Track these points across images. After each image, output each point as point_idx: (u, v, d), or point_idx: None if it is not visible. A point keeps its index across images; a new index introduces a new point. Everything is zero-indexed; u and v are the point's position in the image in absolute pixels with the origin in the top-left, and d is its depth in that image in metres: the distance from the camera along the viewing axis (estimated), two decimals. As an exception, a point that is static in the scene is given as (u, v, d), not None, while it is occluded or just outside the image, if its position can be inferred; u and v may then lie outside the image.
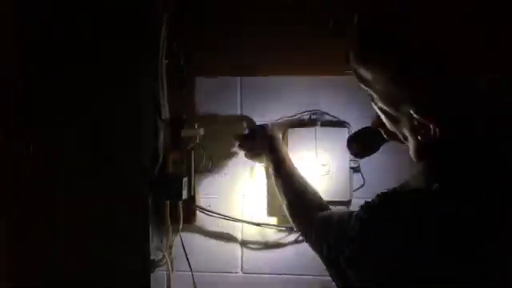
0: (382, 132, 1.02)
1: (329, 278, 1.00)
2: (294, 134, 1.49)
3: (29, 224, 1.27)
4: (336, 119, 1.51)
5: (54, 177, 1.38)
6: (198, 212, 1.59)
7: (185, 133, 1.51)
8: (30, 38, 1.15)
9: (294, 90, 1.54)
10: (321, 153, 1.46)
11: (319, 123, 1.49)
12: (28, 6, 1.17)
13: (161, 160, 1.50)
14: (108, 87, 1.39)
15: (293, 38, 1.50)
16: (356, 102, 1.50)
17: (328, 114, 1.52)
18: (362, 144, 1.24)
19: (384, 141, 1.08)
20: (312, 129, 1.48)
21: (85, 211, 1.40)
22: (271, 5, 1.51)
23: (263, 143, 1.41)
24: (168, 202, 1.51)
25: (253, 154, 1.46)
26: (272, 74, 1.54)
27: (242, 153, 1.53)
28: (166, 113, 1.52)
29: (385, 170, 1.47)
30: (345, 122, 1.51)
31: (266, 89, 1.55)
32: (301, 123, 1.52)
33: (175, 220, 1.54)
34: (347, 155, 1.46)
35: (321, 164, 1.46)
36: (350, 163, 1.46)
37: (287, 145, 1.49)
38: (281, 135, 1.49)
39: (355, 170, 1.49)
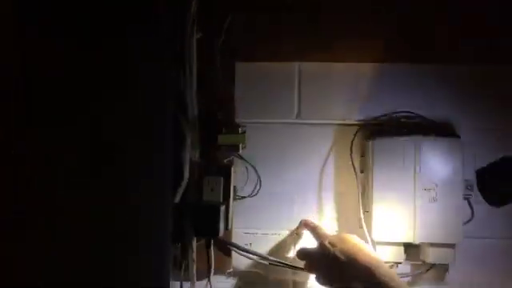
0: None
1: None
2: (381, 146, 1.03)
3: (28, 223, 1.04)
4: (438, 125, 1.07)
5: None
6: (233, 253, 1.11)
7: (223, 139, 1.04)
8: (30, 38, 1.06)
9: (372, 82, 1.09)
10: (424, 173, 1.01)
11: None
12: (28, 6, 1.08)
13: (186, 177, 1.03)
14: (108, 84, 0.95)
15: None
16: (466, 102, 1.07)
17: (425, 118, 1.07)
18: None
19: None
20: (408, 139, 1.03)
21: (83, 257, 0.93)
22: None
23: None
24: (195, 239, 1.04)
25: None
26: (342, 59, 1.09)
27: (301, 171, 1.08)
28: (193, 110, 1.06)
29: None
30: (453, 132, 1.06)
31: (332, 79, 1.10)
32: (386, 130, 1.07)
33: (202, 264, 1.07)
34: (460, 178, 1.01)
35: (422, 188, 1.01)
36: (463, 190, 1.02)
37: (372, 159, 1.03)
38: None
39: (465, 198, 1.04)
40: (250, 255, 1.10)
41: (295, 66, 1.11)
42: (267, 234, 1.12)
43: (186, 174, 1.04)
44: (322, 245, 0.98)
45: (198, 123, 1.06)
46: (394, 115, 1.08)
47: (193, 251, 1.05)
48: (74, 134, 1.00)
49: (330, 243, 0.97)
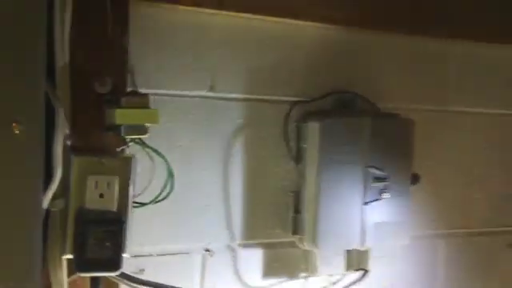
0: None
1: None
2: (330, 129, 0.81)
3: None
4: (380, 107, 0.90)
5: None
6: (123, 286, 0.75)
7: (124, 116, 0.67)
8: None
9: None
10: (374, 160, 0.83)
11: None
12: None
13: (59, 175, 0.64)
14: None
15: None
16: (413, 81, 0.93)
17: (367, 100, 0.89)
18: None
19: None
20: (360, 121, 0.83)
21: None
22: None
23: None
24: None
25: None
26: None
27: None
28: (65, 69, 0.67)
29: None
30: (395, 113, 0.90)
31: (263, 44, 0.83)
32: (326, 110, 0.86)
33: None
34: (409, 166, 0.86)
35: (373, 178, 0.82)
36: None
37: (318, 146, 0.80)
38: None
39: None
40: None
41: (211, 19, 0.79)
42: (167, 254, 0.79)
43: (59, 171, 0.64)
44: None
45: (75, 90, 0.66)
46: (333, 95, 0.86)
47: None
48: None
49: None
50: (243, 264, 0.85)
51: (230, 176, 0.83)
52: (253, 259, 0.86)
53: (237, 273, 0.85)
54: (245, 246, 0.85)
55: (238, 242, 0.84)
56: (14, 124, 0.55)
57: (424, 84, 0.94)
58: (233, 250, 0.84)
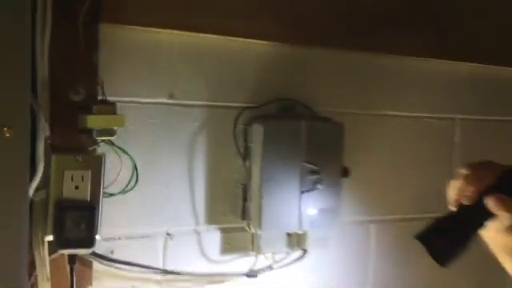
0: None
1: None
2: (272, 131, 0.96)
3: None
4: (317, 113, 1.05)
5: None
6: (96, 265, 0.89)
7: (94, 121, 0.81)
8: None
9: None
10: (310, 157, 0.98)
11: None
12: None
13: (41, 170, 0.78)
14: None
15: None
16: (343, 89, 1.08)
17: (305, 106, 1.04)
18: (453, 240, 0.76)
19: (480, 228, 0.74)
20: (297, 124, 0.98)
21: None
22: None
23: None
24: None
25: None
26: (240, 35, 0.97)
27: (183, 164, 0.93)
28: (45, 81, 0.80)
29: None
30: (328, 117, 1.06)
31: (211, 57, 0.98)
32: (269, 115, 1.01)
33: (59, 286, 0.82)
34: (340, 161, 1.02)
35: (308, 171, 0.98)
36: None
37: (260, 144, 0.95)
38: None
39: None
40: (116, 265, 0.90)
41: (169, 34, 0.93)
42: (134, 238, 0.93)
43: (41, 166, 0.78)
44: None
45: (54, 99, 0.80)
46: (277, 101, 1.01)
47: (45, 266, 0.80)
48: None
49: None
50: (204, 245, 0.99)
51: (190, 171, 0.97)
52: (211, 241, 1.00)
53: (199, 252, 0.99)
54: (204, 230, 0.99)
55: (198, 226, 0.98)
56: (5, 128, 0.69)
57: (352, 91, 1.10)
58: (197, 232, 0.98)
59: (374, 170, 1.14)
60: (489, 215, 0.74)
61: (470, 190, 0.76)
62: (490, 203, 0.73)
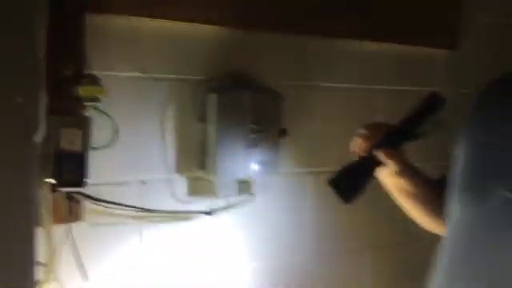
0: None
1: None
2: (224, 99, 1.22)
3: None
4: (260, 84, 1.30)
5: None
6: (86, 203, 1.14)
7: (83, 91, 1.05)
8: None
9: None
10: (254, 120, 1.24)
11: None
12: None
13: (43, 127, 1.01)
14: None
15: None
16: (284, 64, 1.34)
17: (252, 79, 1.29)
18: (355, 183, 1.00)
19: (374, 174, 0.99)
20: (243, 93, 1.24)
21: None
22: None
23: None
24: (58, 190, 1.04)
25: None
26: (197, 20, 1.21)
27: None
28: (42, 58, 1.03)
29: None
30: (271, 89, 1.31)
31: (180, 38, 1.22)
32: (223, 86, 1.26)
33: (59, 218, 1.07)
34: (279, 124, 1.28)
35: (253, 131, 1.24)
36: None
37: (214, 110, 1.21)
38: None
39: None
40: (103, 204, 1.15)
41: (142, 21, 1.17)
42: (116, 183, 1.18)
43: (43, 126, 1.01)
44: None
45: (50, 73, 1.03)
46: (228, 75, 1.27)
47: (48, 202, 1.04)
48: None
49: None
50: (172, 190, 1.24)
51: (160, 132, 1.21)
52: (178, 187, 1.25)
53: (169, 195, 1.24)
54: (173, 178, 1.24)
55: (168, 175, 1.23)
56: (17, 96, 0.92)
57: (291, 67, 1.35)
58: (167, 180, 1.23)
59: (309, 131, 1.41)
60: (380, 163, 1.01)
61: (366, 145, 1.03)
62: (380, 155, 1.00)
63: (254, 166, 1.26)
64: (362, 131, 1.03)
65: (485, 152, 0.90)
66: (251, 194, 1.30)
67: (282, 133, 1.29)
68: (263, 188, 1.31)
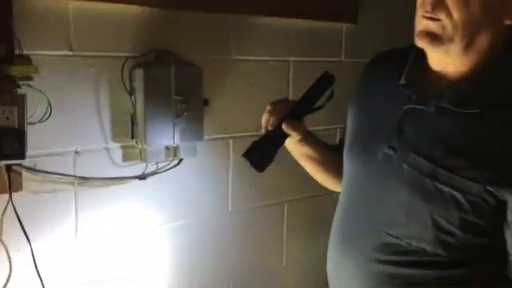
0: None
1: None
2: (150, 73, 1.34)
3: None
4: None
5: None
6: (25, 174, 1.24)
7: (17, 70, 1.14)
8: None
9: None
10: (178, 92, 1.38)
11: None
12: None
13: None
14: None
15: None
16: (207, 41, 1.47)
17: (175, 55, 1.42)
18: (266, 153, 1.14)
19: (281, 144, 1.15)
20: (168, 68, 1.37)
21: None
22: None
23: None
24: (-1, 163, 1.13)
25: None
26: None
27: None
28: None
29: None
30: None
31: (101, 17, 1.31)
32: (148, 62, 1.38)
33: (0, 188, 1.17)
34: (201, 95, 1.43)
35: (178, 102, 1.37)
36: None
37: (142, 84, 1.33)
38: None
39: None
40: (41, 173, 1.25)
41: (71, 4, 1.25)
42: (51, 155, 1.28)
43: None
44: None
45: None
46: (153, 52, 1.38)
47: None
48: None
49: None
50: (107, 158, 1.36)
51: (95, 105, 1.32)
52: (112, 155, 1.37)
53: (104, 163, 1.35)
54: (107, 146, 1.36)
55: (103, 144, 1.35)
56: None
57: (211, 42, 1.49)
58: (104, 149, 1.35)
59: (230, 100, 1.56)
60: (286, 135, 1.16)
61: (273, 119, 1.18)
62: (285, 127, 1.16)
63: (180, 133, 1.40)
64: (269, 107, 1.18)
65: (367, 118, 1.10)
66: (180, 158, 1.45)
67: (205, 102, 1.43)
68: (189, 153, 1.46)
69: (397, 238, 1.00)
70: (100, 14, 1.30)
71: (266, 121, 1.17)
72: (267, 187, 1.68)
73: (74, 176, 1.30)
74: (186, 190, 1.51)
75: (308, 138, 1.20)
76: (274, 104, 1.17)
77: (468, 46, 0.94)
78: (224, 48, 1.53)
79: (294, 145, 1.21)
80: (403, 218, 0.99)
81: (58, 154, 1.30)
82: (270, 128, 1.16)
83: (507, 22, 0.94)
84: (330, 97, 1.14)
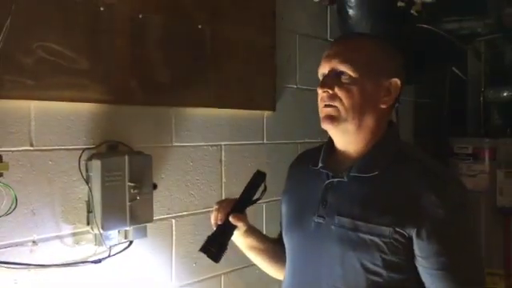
0: None
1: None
2: (105, 163, 1.47)
3: None
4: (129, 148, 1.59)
5: None
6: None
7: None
8: None
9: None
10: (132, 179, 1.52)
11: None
12: None
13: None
14: None
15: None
16: (148, 130, 1.64)
17: (126, 145, 1.57)
18: (220, 245, 1.28)
19: (231, 234, 1.32)
20: (122, 157, 1.51)
21: None
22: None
23: None
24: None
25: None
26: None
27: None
28: None
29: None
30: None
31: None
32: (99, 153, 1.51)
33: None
34: (151, 179, 1.57)
35: (131, 188, 1.50)
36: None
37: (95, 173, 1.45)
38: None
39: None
40: None
41: (32, 107, 1.37)
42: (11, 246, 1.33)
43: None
44: None
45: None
46: (106, 143, 1.52)
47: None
48: None
49: None
50: (61, 244, 1.43)
51: (51, 194, 1.40)
52: (67, 241, 1.44)
53: (58, 248, 1.42)
54: (62, 234, 1.43)
55: (57, 233, 1.42)
56: None
57: (156, 132, 1.66)
58: (57, 237, 1.42)
59: (173, 182, 1.72)
60: (234, 226, 1.33)
61: (221, 215, 1.35)
62: (232, 219, 1.33)
63: (133, 216, 1.52)
64: (216, 206, 1.35)
65: (296, 201, 1.35)
66: (130, 241, 1.55)
67: (154, 187, 1.58)
68: (140, 234, 1.57)
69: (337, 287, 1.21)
70: (57, 110, 1.43)
71: (214, 217, 1.34)
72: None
73: (34, 265, 1.35)
74: (137, 269, 1.61)
75: (252, 230, 1.39)
76: (220, 203, 1.36)
77: (359, 125, 1.24)
78: (166, 136, 1.71)
79: (240, 237, 1.38)
80: (339, 268, 1.21)
81: (17, 245, 1.35)
82: (219, 223, 1.32)
83: (383, 106, 1.26)
84: (264, 190, 1.35)
